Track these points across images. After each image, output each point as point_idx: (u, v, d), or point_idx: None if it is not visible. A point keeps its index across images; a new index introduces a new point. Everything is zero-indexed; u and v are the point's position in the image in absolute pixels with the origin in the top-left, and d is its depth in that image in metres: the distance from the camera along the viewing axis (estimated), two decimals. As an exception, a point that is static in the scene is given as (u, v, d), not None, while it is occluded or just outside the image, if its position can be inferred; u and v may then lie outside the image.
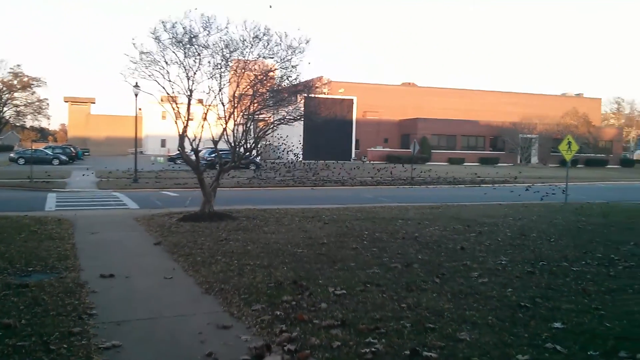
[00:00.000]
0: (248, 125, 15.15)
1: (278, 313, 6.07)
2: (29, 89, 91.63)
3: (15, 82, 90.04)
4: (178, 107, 14.21)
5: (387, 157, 65.99)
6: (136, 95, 28.77)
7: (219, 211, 14.93)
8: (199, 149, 14.64)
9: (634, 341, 5.33)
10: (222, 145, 15.38)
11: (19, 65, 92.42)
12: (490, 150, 70.24)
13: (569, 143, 20.97)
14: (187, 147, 14.44)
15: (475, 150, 69.68)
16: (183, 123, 14.00)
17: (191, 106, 14.31)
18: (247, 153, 15.27)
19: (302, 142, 65.66)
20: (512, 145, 68.27)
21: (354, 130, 68.81)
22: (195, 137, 14.03)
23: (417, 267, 8.72)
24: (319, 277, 7.83)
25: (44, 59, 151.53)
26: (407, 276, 8.05)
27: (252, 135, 15.31)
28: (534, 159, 69.77)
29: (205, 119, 14.02)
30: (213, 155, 26.17)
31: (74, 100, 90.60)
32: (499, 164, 63.05)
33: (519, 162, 67.97)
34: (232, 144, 14.59)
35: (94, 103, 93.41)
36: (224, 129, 14.38)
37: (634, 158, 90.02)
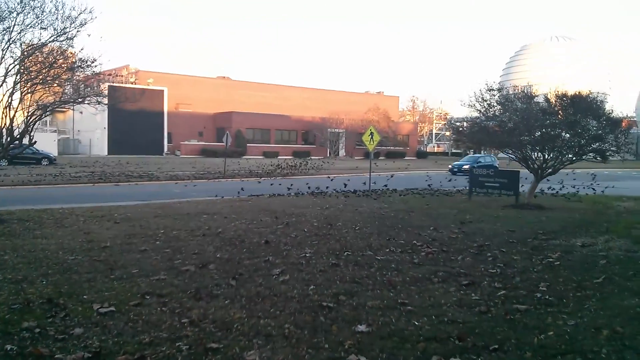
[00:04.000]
0: (34, 114, 12.65)
1: (9, 347, 4.48)
2: None
3: None
4: None
5: (202, 150, 64.05)
6: None
7: (-19, 214, 12.25)
8: None
9: (444, 342, 4.80)
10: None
11: None
12: (303, 144, 72.06)
13: (371, 134, 21.54)
14: None
15: (288, 144, 70.91)
16: None
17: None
18: (15, 142, 12.68)
19: (106, 135, 60.82)
20: (322, 139, 70.77)
21: (166, 123, 65.55)
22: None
23: (213, 267, 7.59)
24: (86, 291, 6.28)
25: None
26: (198, 280, 6.87)
27: (25, 121, 12.77)
28: (342, 152, 73.24)
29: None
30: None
31: None
32: (311, 157, 64.86)
33: (328, 155, 70.68)
34: (-5, 132, 12.00)
35: None
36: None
37: (428, 150, 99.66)
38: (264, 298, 6.07)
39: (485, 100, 17.64)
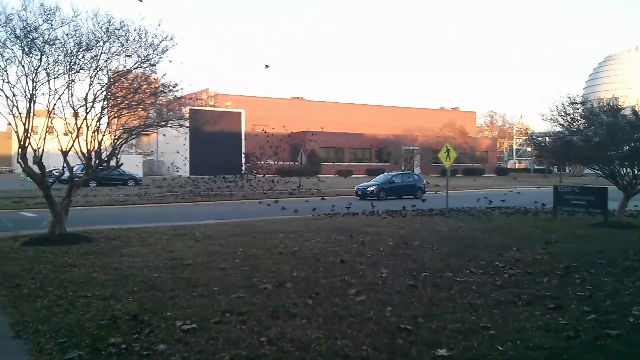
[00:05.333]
0: (120, 138, 13.40)
1: (98, 363, 4.68)
2: None
3: None
4: (20, 116, 12.18)
5: (278, 170, 65.14)
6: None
7: (74, 232, 13.02)
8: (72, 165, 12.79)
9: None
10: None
11: None
12: (376, 162, 71.72)
13: (447, 151, 21.13)
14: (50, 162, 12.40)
15: (362, 162, 70.81)
16: (24, 130, 11.98)
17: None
18: (104, 164, 13.42)
19: (188, 157, 63.32)
20: (396, 156, 70.15)
21: (243, 144, 67.29)
22: (38, 148, 12.06)
23: (290, 286, 7.64)
24: (169, 308, 6.48)
25: None
26: (276, 299, 6.92)
27: (112, 144, 13.51)
28: (417, 170, 72.23)
29: (51, 125, 12.11)
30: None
31: None
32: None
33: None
34: (86, 156, 12.73)
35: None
36: (75, 138, 12.51)
37: (508, 167, 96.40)
38: (341, 318, 6.02)
39: (569, 114, 16.90)
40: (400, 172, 37.74)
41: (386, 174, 36.65)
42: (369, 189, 31.35)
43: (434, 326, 5.76)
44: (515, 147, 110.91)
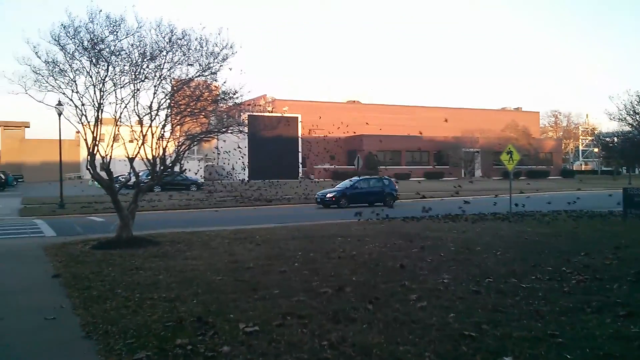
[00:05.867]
0: (183, 144, 13.82)
1: (165, 363, 4.82)
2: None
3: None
4: (90, 125, 12.76)
5: (334, 174, 65.31)
6: (59, 114, 26.73)
7: (140, 236, 13.49)
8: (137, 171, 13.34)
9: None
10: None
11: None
12: (435, 165, 70.66)
13: (510, 153, 20.52)
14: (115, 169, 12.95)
15: (420, 165, 69.94)
16: (92, 138, 12.53)
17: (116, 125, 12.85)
18: (168, 170, 13.85)
19: (247, 161, 64.50)
20: (455, 159, 68.87)
21: (300, 148, 67.89)
22: (106, 154, 12.59)
23: (350, 290, 7.62)
24: (232, 310, 6.60)
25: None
26: (336, 303, 6.92)
27: (176, 150, 13.93)
28: (478, 172, 70.64)
29: (117, 133, 12.61)
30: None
31: (6, 125, 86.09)
32: (444, 178, 63.31)
33: (463, 175, 68.58)
34: (151, 161, 13.18)
35: (29, 127, 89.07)
36: (141, 145, 12.98)
37: (574, 168, 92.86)
38: (402, 324, 5.95)
39: (638, 113, 16.12)
40: (368, 177, 33.10)
41: (352, 178, 32.56)
42: (327, 195, 28.23)
43: (498, 333, 5.60)
44: (581, 148, 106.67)
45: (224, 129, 14.18)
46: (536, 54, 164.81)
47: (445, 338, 5.47)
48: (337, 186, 30.39)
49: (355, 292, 7.53)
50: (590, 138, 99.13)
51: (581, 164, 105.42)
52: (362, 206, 25.89)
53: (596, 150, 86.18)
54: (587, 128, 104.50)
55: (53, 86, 12.41)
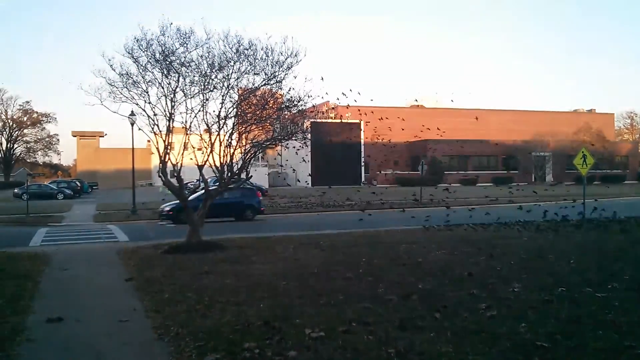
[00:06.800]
0: (249, 152, 14.15)
1: (234, 366, 4.92)
2: (38, 125, 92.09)
3: (25, 118, 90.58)
4: (161, 133, 13.26)
5: (397, 179, 64.80)
6: (132, 124, 27.93)
7: (208, 241, 13.85)
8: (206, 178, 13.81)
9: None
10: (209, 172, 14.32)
11: (28, 102, 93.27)
12: (503, 170, 68.68)
13: (584, 156, 19.65)
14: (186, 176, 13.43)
15: (487, 170, 68.22)
16: (164, 147, 13.00)
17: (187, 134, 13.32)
18: (235, 177, 14.17)
19: (310, 168, 65.08)
20: (525, 163, 66.73)
21: (363, 154, 67.81)
22: (177, 162, 13.03)
23: (416, 298, 7.52)
24: (297, 316, 6.66)
25: (53, 94, 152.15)
26: (402, 311, 6.85)
27: (242, 158, 14.25)
28: (549, 177, 68.12)
29: (187, 142, 13.04)
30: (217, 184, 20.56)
31: (82, 135, 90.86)
32: (513, 184, 61.48)
33: (533, 180, 66.33)
34: (219, 169, 13.53)
35: (103, 136, 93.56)
36: (209, 153, 13.35)
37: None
38: (471, 333, 5.81)
39: None
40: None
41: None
42: (165, 208, 23.97)
43: (573, 344, 5.37)
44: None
45: (288, 136, 14.37)
46: (610, 52, 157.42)
47: (517, 348, 5.30)
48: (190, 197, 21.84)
49: (421, 300, 7.43)
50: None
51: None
52: (213, 221, 20.75)
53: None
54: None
55: (127, 97, 12.99)
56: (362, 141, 67.94)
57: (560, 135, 66.52)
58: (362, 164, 67.78)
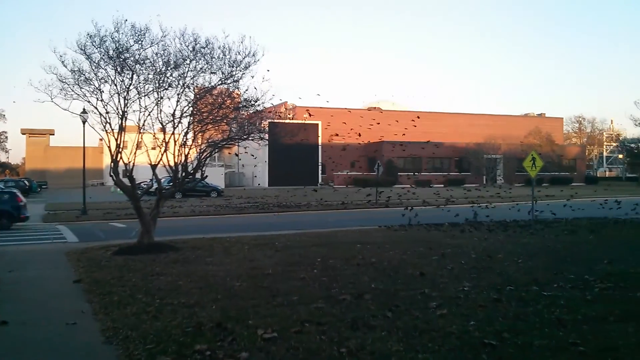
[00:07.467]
0: (205, 151, 13.95)
1: (184, 369, 4.84)
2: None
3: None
4: (113, 132, 12.95)
5: (354, 180, 65.27)
6: (84, 122, 27.16)
7: (161, 242, 13.61)
8: (160, 177, 13.51)
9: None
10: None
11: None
12: (456, 172, 70.12)
13: (533, 159, 20.24)
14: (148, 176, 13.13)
15: (441, 172, 69.47)
16: (116, 145, 12.71)
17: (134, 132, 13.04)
18: (190, 177, 13.97)
19: (267, 168, 64.80)
20: (477, 166, 68.30)
21: (320, 155, 68.01)
22: (129, 161, 12.75)
23: (369, 298, 7.58)
24: (251, 316, 6.61)
25: (1, 91, 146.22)
26: (355, 310, 6.89)
27: (197, 158, 14.05)
28: (500, 179, 69.93)
29: (140, 141, 12.78)
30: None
31: (32, 132, 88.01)
32: (465, 185, 62.80)
33: (484, 182, 67.96)
34: (173, 168, 13.31)
35: (53, 134, 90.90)
36: (163, 152, 13.12)
37: (598, 175, 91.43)
38: (422, 332, 5.90)
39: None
40: None
41: None
42: None
43: (519, 342, 5.52)
44: (605, 154, 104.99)
45: (244, 136, 14.26)
46: (561, 58, 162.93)
47: (466, 346, 5.41)
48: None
49: (374, 299, 7.49)
50: (614, 144, 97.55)
51: (605, 171, 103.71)
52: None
53: (620, 156, 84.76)
54: (611, 134, 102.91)
55: (78, 94, 12.64)
56: (320, 142, 68.13)
57: (511, 139, 68.39)
58: (320, 165, 67.94)
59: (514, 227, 17.74)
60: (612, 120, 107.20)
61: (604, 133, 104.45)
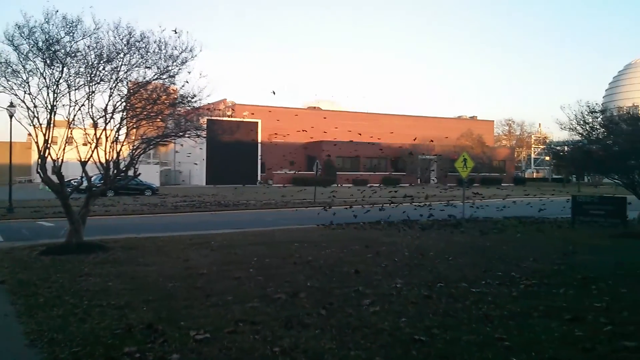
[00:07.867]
0: (138, 148, 13.55)
1: (112, 372, 4.71)
2: None
3: None
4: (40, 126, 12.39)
5: (293, 179, 65.30)
6: (10, 116, 25.83)
7: (91, 241, 13.14)
8: (90, 175, 13.02)
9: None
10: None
11: None
12: (392, 172, 71.49)
13: (465, 160, 20.97)
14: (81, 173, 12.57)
15: (378, 172, 70.64)
16: (44, 141, 12.17)
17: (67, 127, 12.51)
18: (122, 174, 13.56)
19: (205, 166, 63.77)
20: (412, 166, 69.90)
21: (259, 154, 67.67)
22: (58, 158, 12.24)
23: (304, 296, 7.62)
24: (183, 318, 6.50)
25: None
26: (290, 309, 6.92)
27: (130, 154, 13.66)
28: (433, 179, 71.89)
29: (70, 136, 12.29)
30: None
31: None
32: (401, 185, 64.15)
33: (418, 182, 69.64)
34: (104, 165, 12.88)
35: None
36: (94, 149, 12.68)
37: (526, 176, 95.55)
38: (355, 329, 5.99)
39: (588, 123, 16.75)
40: None
41: None
42: None
43: (448, 337, 5.71)
44: (533, 156, 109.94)
45: (181, 133, 13.99)
46: (493, 63, 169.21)
47: (397, 343, 5.53)
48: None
49: (309, 298, 7.54)
50: (542, 147, 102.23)
51: (533, 172, 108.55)
52: None
53: (547, 158, 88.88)
54: (539, 137, 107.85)
55: (5, 87, 12.03)
56: (260, 141, 67.76)
57: (445, 140, 70.37)
58: (259, 163, 67.61)
59: (446, 225, 18.27)
60: (540, 124, 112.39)
61: (532, 136, 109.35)
